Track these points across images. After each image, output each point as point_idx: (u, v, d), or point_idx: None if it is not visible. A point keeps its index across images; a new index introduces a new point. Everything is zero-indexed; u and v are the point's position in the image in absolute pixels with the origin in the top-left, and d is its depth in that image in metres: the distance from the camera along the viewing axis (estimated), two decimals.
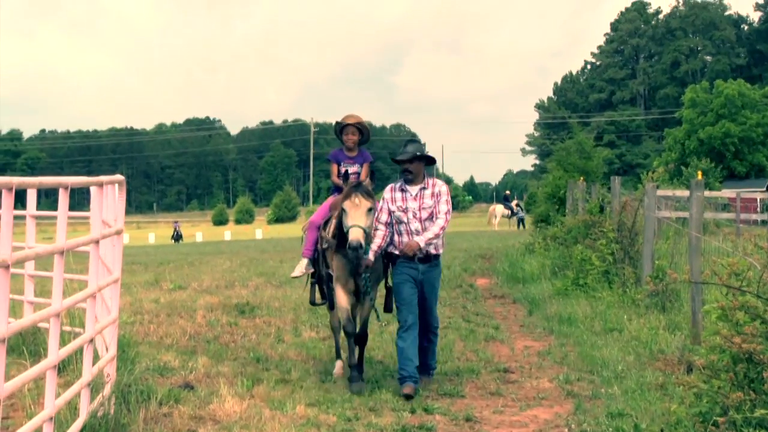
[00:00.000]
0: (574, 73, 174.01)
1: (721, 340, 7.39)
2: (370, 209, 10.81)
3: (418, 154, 11.09)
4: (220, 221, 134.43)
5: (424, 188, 11.12)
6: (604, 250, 18.75)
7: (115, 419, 8.75)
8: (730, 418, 7.15)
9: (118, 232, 9.69)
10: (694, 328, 12.83)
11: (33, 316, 7.51)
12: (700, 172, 37.79)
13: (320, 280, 12.52)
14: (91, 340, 8.38)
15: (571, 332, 14.73)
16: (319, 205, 13.44)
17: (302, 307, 17.24)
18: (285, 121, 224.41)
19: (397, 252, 11.19)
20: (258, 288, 21.67)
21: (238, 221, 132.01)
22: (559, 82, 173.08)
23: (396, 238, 11.20)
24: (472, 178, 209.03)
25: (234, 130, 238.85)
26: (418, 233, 10.97)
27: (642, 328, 14.16)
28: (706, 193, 36.19)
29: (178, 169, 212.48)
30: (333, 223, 11.61)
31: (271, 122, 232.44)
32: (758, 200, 44.63)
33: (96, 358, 9.25)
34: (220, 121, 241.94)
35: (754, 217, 37.03)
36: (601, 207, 22.56)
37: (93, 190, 9.10)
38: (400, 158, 11.11)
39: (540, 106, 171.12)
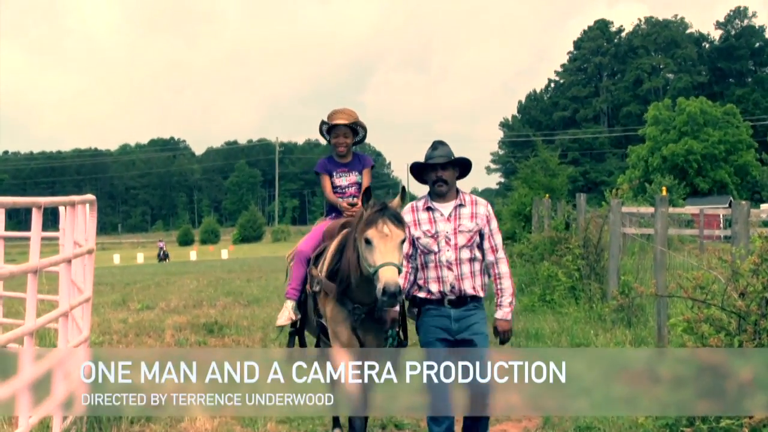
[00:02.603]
0: (537, 91, 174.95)
1: (686, 352, 7.53)
2: (403, 241, 7.79)
3: (452, 158, 8.17)
4: (185, 241, 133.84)
5: (460, 205, 8.19)
6: (570, 266, 18.94)
7: None
8: (697, 428, 7.28)
9: (90, 252, 9.74)
10: (660, 341, 12.99)
11: (6, 335, 7.55)
12: (664, 188, 38.17)
13: (302, 328, 9.71)
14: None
15: (539, 348, 14.84)
16: (307, 227, 10.02)
17: (271, 326, 17.25)
18: (250, 141, 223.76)
19: (422, 294, 8.20)
20: (226, 307, 21.67)
21: (203, 241, 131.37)
22: (523, 101, 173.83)
23: (421, 274, 8.23)
24: None
25: (199, 150, 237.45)
26: (450, 266, 8.05)
27: (608, 342, 14.32)
28: (670, 209, 36.51)
29: (142, 189, 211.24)
30: (328, 256, 8.66)
31: (235, 142, 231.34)
32: (721, 216, 44.99)
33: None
34: (184, 141, 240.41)
35: (717, 233, 37.41)
36: (566, 224, 22.75)
37: (65, 209, 9.13)
38: (432, 162, 8.16)
39: (504, 125, 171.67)
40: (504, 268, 8.15)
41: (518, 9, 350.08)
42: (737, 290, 7.90)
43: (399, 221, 7.74)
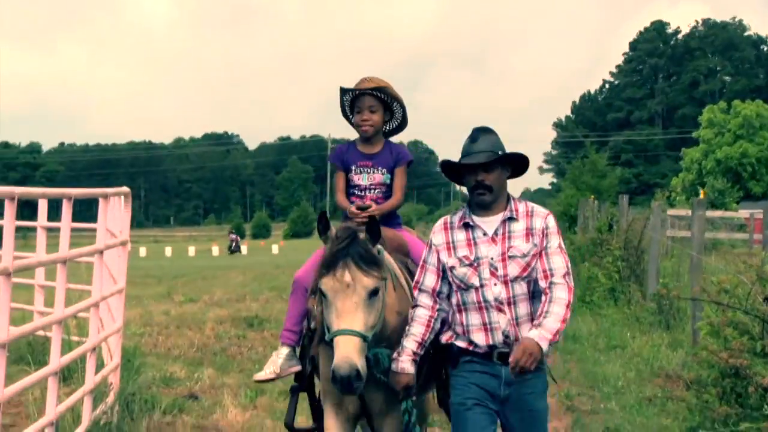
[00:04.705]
0: (592, 92, 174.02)
1: (708, 355, 7.53)
2: (372, 293, 5.53)
3: (500, 153, 5.71)
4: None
5: (510, 218, 5.74)
6: (610, 267, 18.91)
7: (118, 427, 8.93)
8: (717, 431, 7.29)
9: (123, 243, 9.86)
10: (695, 345, 12.94)
11: (34, 323, 7.72)
12: (702, 191, 37.84)
13: (310, 383, 6.93)
14: (94, 349, 8.55)
15: (575, 349, 14.83)
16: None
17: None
18: (303, 137, 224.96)
19: (461, 344, 5.78)
20: (268, 301, 21.83)
21: (254, 236, 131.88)
22: (577, 101, 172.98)
23: (460, 318, 5.79)
24: None
25: (252, 145, 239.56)
26: (500, 307, 5.62)
27: (645, 345, 14.30)
28: (722, 213, 36.31)
29: (195, 183, 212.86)
30: None
31: (288, 138, 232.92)
32: None
33: (101, 366, 9.44)
34: (238, 136, 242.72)
35: None
36: (609, 225, 22.68)
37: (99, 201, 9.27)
38: (467, 162, 5.72)
39: (558, 125, 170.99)
40: (561, 293, 5.56)
41: (576, 9, 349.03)
42: (762, 294, 7.88)
43: (369, 262, 5.57)
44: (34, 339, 12.15)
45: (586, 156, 42.19)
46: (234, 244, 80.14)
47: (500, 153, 5.69)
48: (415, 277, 5.97)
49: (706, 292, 8.07)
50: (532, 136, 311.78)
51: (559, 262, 5.64)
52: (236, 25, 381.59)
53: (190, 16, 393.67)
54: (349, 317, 5.38)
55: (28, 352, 11.68)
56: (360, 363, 5.26)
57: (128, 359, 11.19)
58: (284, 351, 6.77)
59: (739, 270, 8.96)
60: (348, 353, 5.25)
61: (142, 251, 72.94)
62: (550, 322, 5.40)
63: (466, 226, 5.76)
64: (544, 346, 5.34)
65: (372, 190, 6.97)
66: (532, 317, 5.60)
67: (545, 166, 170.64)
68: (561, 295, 5.53)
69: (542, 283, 5.60)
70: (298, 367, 6.76)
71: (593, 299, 18.72)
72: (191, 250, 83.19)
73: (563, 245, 5.79)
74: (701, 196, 27.95)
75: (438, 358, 6.07)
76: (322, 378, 6.19)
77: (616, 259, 18.99)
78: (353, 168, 7.00)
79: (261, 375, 6.80)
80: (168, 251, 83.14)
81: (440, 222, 5.96)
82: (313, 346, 6.36)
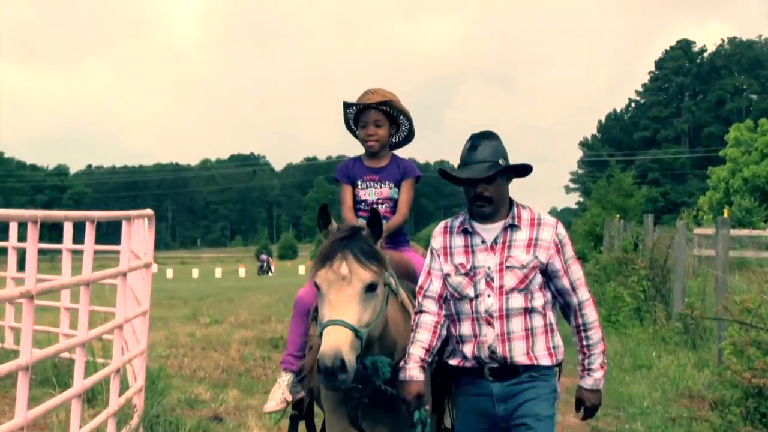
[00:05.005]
0: (618, 110, 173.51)
1: (731, 374, 7.50)
2: (369, 287, 5.15)
3: (501, 163, 5.37)
4: None
5: (512, 226, 5.43)
6: (635, 287, 18.87)
7: None
8: None
9: (147, 265, 9.90)
10: (721, 365, 12.90)
11: (57, 345, 7.75)
12: (726, 210, 37.64)
13: (310, 410, 6.66)
14: (118, 371, 8.59)
15: None
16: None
17: None
18: (329, 157, 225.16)
19: (454, 361, 5.57)
20: None
21: (281, 257, 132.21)
22: (603, 120, 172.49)
23: (453, 329, 5.55)
24: None
25: (278, 166, 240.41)
26: (490, 320, 5.33)
27: (671, 365, 14.25)
28: (748, 232, 36.10)
29: (222, 204, 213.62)
30: None
31: (315, 158, 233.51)
32: None
33: (125, 388, 9.48)
34: (264, 157, 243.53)
35: None
36: (635, 244, 22.64)
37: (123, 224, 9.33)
38: (464, 175, 5.38)
39: (584, 144, 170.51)
40: (591, 314, 5.51)
41: (602, 28, 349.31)
42: None
43: (369, 257, 5.19)
44: (59, 361, 12.21)
45: (611, 175, 42.11)
46: (265, 265, 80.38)
47: (501, 162, 5.37)
48: (419, 282, 5.65)
49: (729, 311, 8.03)
50: (558, 155, 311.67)
51: (578, 271, 5.54)
52: (262, 46, 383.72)
53: (216, 38, 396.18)
54: (342, 308, 5.00)
55: (53, 375, 11.75)
56: (348, 356, 4.82)
57: (153, 381, 11.23)
58: (288, 377, 6.47)
59: (762, 290, 8.93)
60: (336, 342, 4.81)
61: (169, 273, 73.20)
62: (595, 360, 5.52)
63: (465, 233, 5.49)
64: (601, 385, 5.54)
65: (379, 205, 6.73)
66: (528, 333, 5.34)
67: (571, 186, 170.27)
68: (593, 317, 5.53)
69: (573, 299, 5.47)
70: (303, 394, 6.40)
71: (619, 319, 18.70)
72: (218, 272, 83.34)
73: (575, 255, 5.68)
74: (725, 214, 27.81)
75: (444, 374, 5.83)
76: (327, 401, 5.85)
77: (641, 279, 18.97)
78: (359, 183, 6.81)
79: (271, 406, 6.44)
80: (195, 273, 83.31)
81: (441, 225, 5.70)
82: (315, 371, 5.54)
